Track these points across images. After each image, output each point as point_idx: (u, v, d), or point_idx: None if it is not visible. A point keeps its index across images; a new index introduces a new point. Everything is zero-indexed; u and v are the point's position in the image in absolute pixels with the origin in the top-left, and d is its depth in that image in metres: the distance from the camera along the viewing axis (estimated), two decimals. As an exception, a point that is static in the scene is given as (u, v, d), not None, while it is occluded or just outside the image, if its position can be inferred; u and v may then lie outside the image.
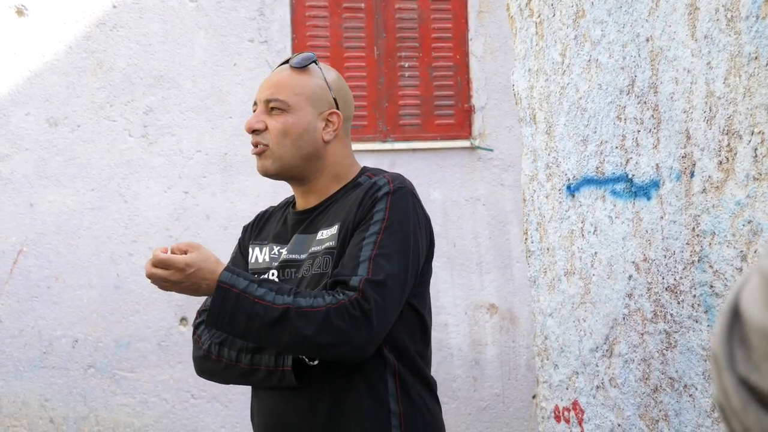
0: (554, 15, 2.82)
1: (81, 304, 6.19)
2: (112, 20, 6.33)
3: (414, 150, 6.70)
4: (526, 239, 3.13)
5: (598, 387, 2.63)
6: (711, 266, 2.03)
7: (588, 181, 2.64)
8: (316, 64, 2.28)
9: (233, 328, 2.04)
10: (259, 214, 2.47)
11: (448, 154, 6.79)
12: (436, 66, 6.84)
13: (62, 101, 6.24)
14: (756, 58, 1.83)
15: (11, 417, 6.07)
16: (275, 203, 2.52)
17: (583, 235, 2.69)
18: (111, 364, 6.22)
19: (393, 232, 2.06)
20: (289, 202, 2.40)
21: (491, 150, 6.88)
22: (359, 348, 2.00)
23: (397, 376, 2.13)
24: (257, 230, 2.40)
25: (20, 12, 6.18)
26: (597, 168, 2.58)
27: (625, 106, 2.41)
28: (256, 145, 2.23)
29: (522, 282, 6.78)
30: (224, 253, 7.02)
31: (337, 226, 2.13)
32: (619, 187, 2.45)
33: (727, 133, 1.95)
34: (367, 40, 6.71)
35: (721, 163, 1.98)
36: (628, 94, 2.39)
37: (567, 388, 2.83)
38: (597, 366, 2.63)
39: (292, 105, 2.20)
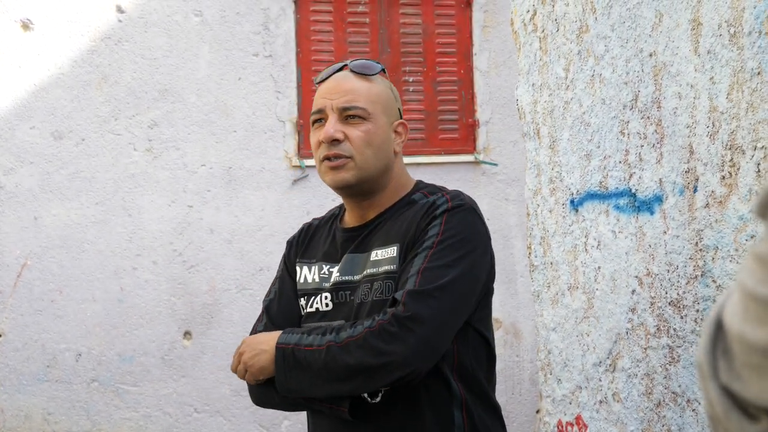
0: (558, 30, 2.83)
1: (85, 317, 6.19)
2: (117, 34, 6.35)
3: (418, 164, 6.70)
4: (529, 254, 3.12)
5: (601, 402, 2.63)
6: (714, 281, 2.03)
7: (591, 196, 2.64)
8: (384, 73, 2.18)
9: (301, 387, 1.95)
10: (303, 228, 2.33)
11: (452, 169, 6.79)
12: (441, 81, 6.85)
13: (67, 115, 6.25)
14: (759, 73, 1.84)
15: (14, 431, 6.06)
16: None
17: (586, 249, 2.69)
18: (114, 378, 6.22)
19: (445, 246, 1.94)
20: (335, 216, 2.26)
21: (495, 164, 6.89)
22: (408, 363, 1.85)
23: (464, 407, 2.02)
24: (303, 246, 2.27)
25: (25, 26, 6.20)
26: (600, 183, 2.58)
27: (628, 121, 2.41)
28: (332, 158, 2.07)
29: (525, 296, 6.77)
30: (228, 267, 6.99)
31: (396, 248, 2.02)
32: (623, 201, 2.45)
33: (730, 148, 1.95)
34: (372, 55, 6.73)
35: (724, 177, 1.98)
36: (631, 109, 2.39)
37: (570, 403, 2.83)
38: (600, 380, 2.62)
39: (371, 113, 2.08)
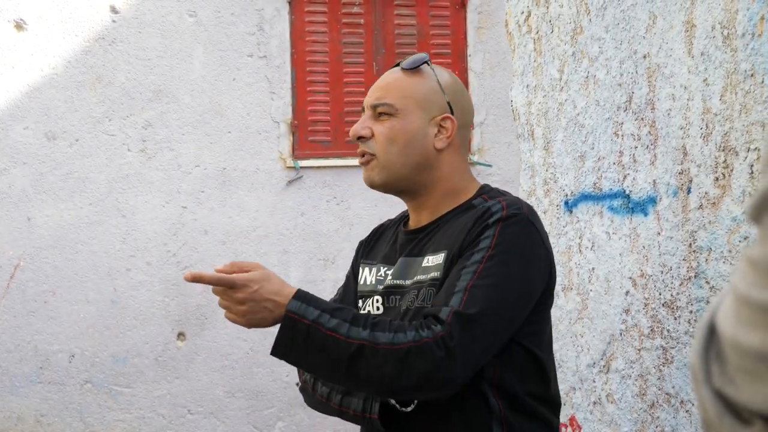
0: (552, 31, 2.83)
1: (78, 318, 6.18)
2: (111, 35, 6.34)
3: (412, 165, 6.70)
4: (523, 255, 3.12)
5: (595, 403, 2.63)
6: (707, 282, 2.03)
7: (585, 197, 2.65)
8: (429, 65, 2.06)
9: (303, 363, 1.86)
10: (375, 229, 2.24)
11: (446, 170, 6.79)
12: (435, 82, 6.85)
13: (61, 115, 6.24)
14: (752, 75, 1.84)
15: (7, 432, 6.05)
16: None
17: (580, 250, 2.69)
18: (107, 380, 6.21)
19: (497, 261, 1.82)
20: (403, 217, 2.16)
21: (490, 165, 6.89)
22: (442, 388, 1.78)
23: (504, 423, 1.90)
24: (370, 247, 2.19)
25: (19, 26, 6.19)
26: (594, 184, 2.59)
27: (622, 123, 2.41)
28: (362, 155, 2.01)
29: (520, 298, 6.77)
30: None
31: (443, 255, 1.91)
32: (617, 203, 2.45)
33: (723, 150, 1.95)
34: (366, 56, 6.73)
35: (717, 179, 1.98)
36: (625, 111, 2.40)
37: (564, 404, 2.83)
38: (594, 382, 2.63)
39: (399, 108, 1.98)
